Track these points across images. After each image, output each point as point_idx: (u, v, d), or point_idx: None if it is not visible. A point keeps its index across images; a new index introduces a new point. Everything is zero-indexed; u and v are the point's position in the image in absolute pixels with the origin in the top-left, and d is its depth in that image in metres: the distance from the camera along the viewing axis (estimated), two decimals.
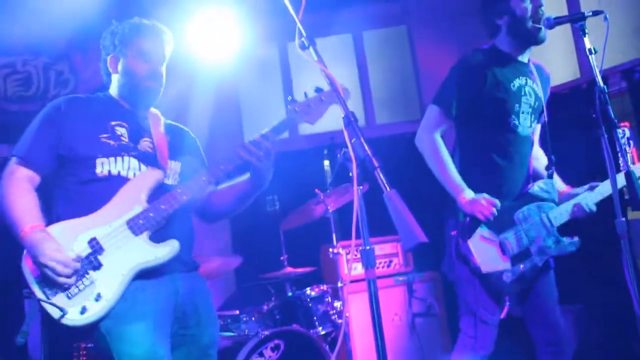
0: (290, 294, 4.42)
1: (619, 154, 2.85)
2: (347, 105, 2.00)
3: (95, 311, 2.29)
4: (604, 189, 3.04)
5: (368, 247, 1.86)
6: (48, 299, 2.28)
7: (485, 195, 2.94)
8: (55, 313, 2.27)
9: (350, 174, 1.91)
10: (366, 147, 1.87)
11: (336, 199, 4.38)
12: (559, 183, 3.21)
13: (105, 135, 2.52)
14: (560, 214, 3.03)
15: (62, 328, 2.29)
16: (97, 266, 2.35)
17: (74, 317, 2.27)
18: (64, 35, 5.66)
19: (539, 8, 3.02)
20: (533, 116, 3.12)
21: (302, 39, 2.09)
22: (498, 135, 3.05)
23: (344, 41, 6.79)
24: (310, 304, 4.26)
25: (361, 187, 1.92)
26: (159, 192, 2.51)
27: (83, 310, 2.28)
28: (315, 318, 4.24)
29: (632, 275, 2.62)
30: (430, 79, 6.36)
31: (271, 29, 6.26)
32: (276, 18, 5.78)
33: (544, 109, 3.17)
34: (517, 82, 3.06)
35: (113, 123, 2.57)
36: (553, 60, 5.78)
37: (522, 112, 3.06)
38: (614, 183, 2.69)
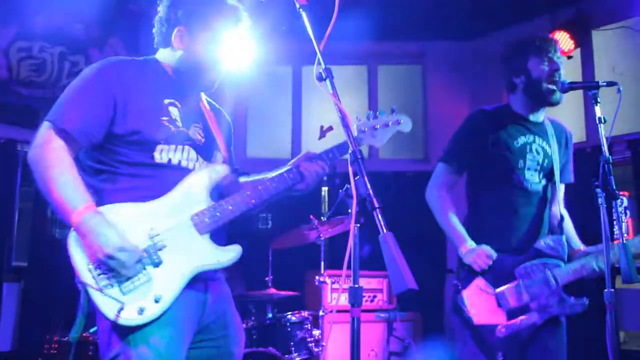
0: (270, 315, 4.39)
1: (615, 223, 2.86)
2: (355, 143, 1.99)
3: (152, 313, 2.06)
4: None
5: (357, 286, 1.86)
6: (101, 292, 2.02)
7: (484, 247, 2.96)
8: (111, 308, 2.01)
9: (349, 211, 1.91)
10: (369, 187, 1.87)
11: (330, 227, 4.38)
12: (575, 241, 3.19)
13: (165, 118, 2.24)
14: (567, 273, 2.97)
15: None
16: (157, 263, 2.11)
17: (131, 317, 2.03)
18: (84, 28, 5.71)
19: (555, 72, 3.07)
20: (542, 174, 3.14)
21: (321, 70, 2.08)
22: (503, 191, 3.10)
23: (358, 72, 6.85)
24: (289, 329, 4.24)
25: (358, 225, 1.92)
26: (216, 188, 2.31)
27: (141, 311, 2.04)
28: (292, 343, 4.21)
29: (614, 344, 2.64)
30: (438, 121, 6.42)
31: (288, 50, 6.31)
32: (294, 40, 5.82)
33: (554, 168, 3.15)
34: (521, 140, 3.12)
35: (166, 101, 2.29)
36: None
37: (528, 169, 3.10)
38: (607, 254, 2.70)
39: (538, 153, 3.14)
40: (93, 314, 2.09)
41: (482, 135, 3.11)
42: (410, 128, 2.53)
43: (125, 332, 2.07)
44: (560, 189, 3.26)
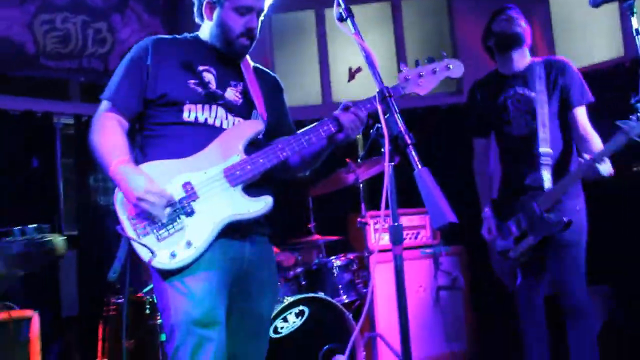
0: (316, 261, 4.44)
1: None
2: (382, 80, 1.97)
3: (184, 257, 2.22)
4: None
5: (396, 224, 1.86)
6: (138, 238, 2.23)
7: (486, 218, 3.74)
8: (145, 254, 2.21)
9: (382, 150, 1.90)
10: (400, 124, 1.86)
11: (367, 169, 4.37)
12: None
13: (193, 81, 2.42)
14: (545, 200, 3.44)
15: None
16: (190, 212, 2.26)
17: (163, 261, 2.21)
18: None
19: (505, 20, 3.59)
20: (528, 117, 3.56)
21: (340, 10, 2.06)
22: (500, 140, 3.76)
23: (382, 9, 6.70)
24: (335, 272, 4.29)
25: (392, 163, 1.91)
26: (253, 144, 2.43)
27: (172, 255, 2.21)
28: (340, 286, 4.26)
29: None
30: (467, 50, 6.25)
31: None
32: None
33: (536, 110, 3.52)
34: (502, 96, 3.66)
35: (201, 68, 2.46)
36: (597, 38, 5.65)
37: (514, 118, 3.61)
38: None
39: (519, 102, 3.59)
40: (130, 257, 2.28)
41: (476, 101, 3.81)
42: (462, 73, 2.47)
43: (168, 284, 2.25)
44: (579, 112, 3.52)
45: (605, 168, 3.24)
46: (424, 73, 2.42)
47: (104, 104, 2.43)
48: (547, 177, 3.46)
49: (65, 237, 1.86)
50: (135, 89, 2.41)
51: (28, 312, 3.63)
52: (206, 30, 2.55)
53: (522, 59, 3.62)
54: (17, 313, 3.59)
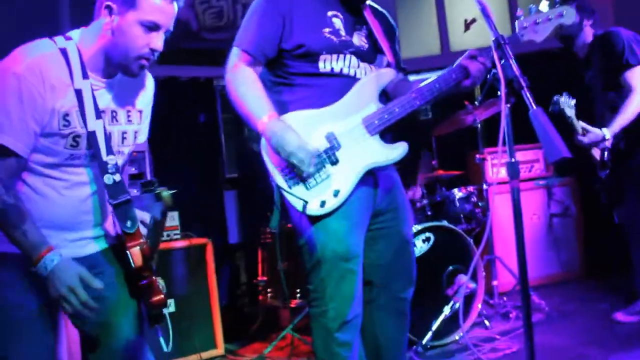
0: (440, 193, 4.38)
1: None
2: (496, 29, 1.86)
3: (331, 205, 2.12)
4: None
5: (514, 160, 1.79)
6: (289, 188, 2.12)
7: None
8: (297, 204, 2.11)
9: (498, 93, 1.81)
10: (515, 68, 1.76)
11: (483, 110, 4.20)
12: None
13: (327, 30, 2.19)
14: None
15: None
16: (335, 161, 2.14)
17: (314, 209, 2.11)
18: None
19: None
20: None
21: None
22: None
23: None
24: (457, 203, 4.22)
25: (508, 104, 1.81)
26: (384, 91, 2.27)
27: (322, 204, 2.11)
28: (461, 215, 4.20)
29: None
30: None
31: None
32: None
33: None
34: None
35: (330, 13, 2.22)
36: None
37: None
38: None
39: None
40: (285, 207, 2.19)
41: None
42: (573, 19, 2.16)
43: (311, 222, 2.15)
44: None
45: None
46: (540, 20, 2.15)
47: (240, 54, 2.18)
48: None
49: (173, 192, 1.83)
50: (270, 37, 2.18)
51: (203, 240, 3.91)
52: None
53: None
54: (195, 240, 3.87)
